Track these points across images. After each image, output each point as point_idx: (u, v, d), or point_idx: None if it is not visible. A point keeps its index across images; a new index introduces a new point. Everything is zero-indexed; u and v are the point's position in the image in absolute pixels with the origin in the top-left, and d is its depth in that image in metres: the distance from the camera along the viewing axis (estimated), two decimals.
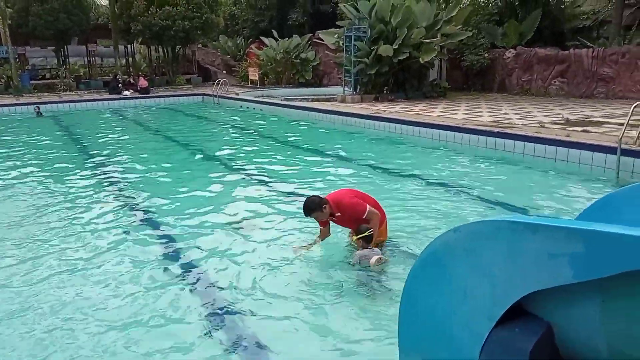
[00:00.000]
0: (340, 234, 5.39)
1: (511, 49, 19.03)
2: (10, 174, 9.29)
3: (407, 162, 9.61)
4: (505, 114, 13.05)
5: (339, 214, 4.73)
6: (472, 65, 19.37)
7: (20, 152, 11.54)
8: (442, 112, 13.90)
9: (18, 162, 10.35)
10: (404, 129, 12.21)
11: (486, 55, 19.19)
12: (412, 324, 2.34)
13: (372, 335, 3.69)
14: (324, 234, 5.07)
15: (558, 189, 7.55)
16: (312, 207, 4.66)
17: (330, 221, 4.95)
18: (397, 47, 16.28)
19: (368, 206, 4.74)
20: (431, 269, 2.20)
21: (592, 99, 16.02)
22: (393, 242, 5.24)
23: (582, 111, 13.08)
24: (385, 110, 14.50)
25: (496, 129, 10.30)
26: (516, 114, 12.97)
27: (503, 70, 19.35)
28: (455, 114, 13.33)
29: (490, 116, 12.59)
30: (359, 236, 4.61)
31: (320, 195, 4.88)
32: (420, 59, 16.30)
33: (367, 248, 4.61)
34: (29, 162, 10.34)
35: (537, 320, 1.88)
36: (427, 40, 16.41)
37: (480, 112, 13.59)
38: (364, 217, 4.70)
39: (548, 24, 19.45)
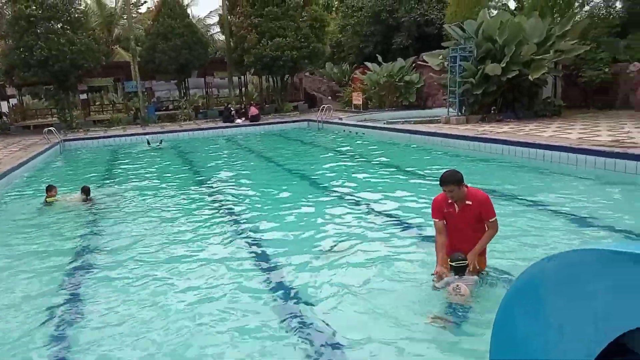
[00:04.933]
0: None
1: (636, 63, 17.49)
2: (133, 192, 10.30)
3: (513, 185, 9.11)
4: (628, 132, 11.95)
5: (470, 202, 4.50)
6: (591, 82, 18.06)
7: (143, 175, 12.68)
8: (555, 132, 13.06)
9: (141, 183, 11.38)
10: (511, 151, 11.64)
11: (607, 70, 17.80)
12: (504, 357, 2.21)
13: None
14: (444, 239, 4.61)
15: None
16: (451, 178, 4.41)
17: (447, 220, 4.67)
18: (504, 65, 15.68)
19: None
20: (525, 299, 2.08)
21: None
22: (493, 270, 4.98)
23: None
24: (491, 131, 13.94)
25: (615, 149, 9.47)
26: None
27: (626, 86, 17.81)
28: (570, 133, 12.46)
29: (610, 135, 11.60)
30: (450, 263, 4.47)
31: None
32: (530, 76, 15.53)
33: (456, 276, 4.44)
34: (150, 183, 11.34)
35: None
36: (538, 57, 15.62)
37: (598, 131, 12.57)
38: (491, 220, 4.49)
39: None
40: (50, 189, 9.62)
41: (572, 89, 19.32)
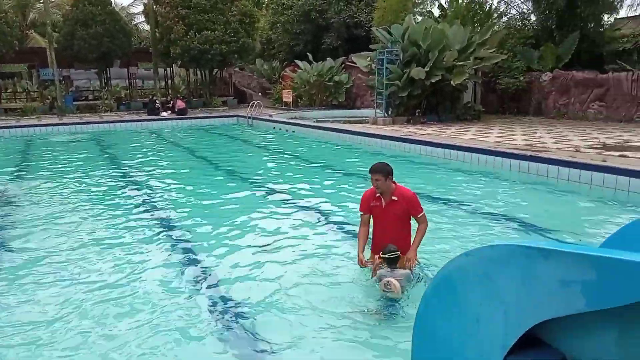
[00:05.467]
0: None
1: (547, 72, 18.72)
2: (46, 186, 9.65)
3: (437, 184, 9.49)
4: (540, 137, 12.79)
5: (396, 198, 4.67)
6: (507, 89, 19.14)
7: (60, 169, 11.94)
8: (474, 135, 13.73)
9: (57, 179, 10.69)
10: (435, 152, 12.10)
11: (522, 78, 18.94)
12: (425, 350, 2.28)
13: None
14: (366, 230, 4.82)
15: (592, 215, 7.31)
16: (381, 168, 4.60)
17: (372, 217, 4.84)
18: (428, 69, 16.25)
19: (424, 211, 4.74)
20: (444, 294, 2.15)
21: (632, 123, 15.55)
22: (421, 266, 5.14)
23: (620, 135, 12.70)
24: (416, 133, 14.42)
25: (529, 153, 10.10)
26: (551, 137, 12.70)
27: (539, 94, 19.03)
28: (488, 137, 13.15)
29: (524, 139, 12.36)
30: (382, 255, 4.53)
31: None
32: (452, 82, 16.21)
33: (389, 269, 4.51)
34: (67, 179, 10.67)
35: (551, 350, 1.81)
36: (459, 63, 16.32)
37: (514, 135, 13.36)
38: (419, 216, 4.71)
39: (586, 47, 19.07)
40: None
41: (490, 95, 20.38)
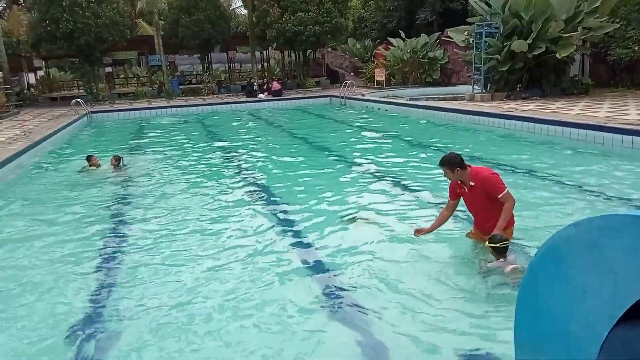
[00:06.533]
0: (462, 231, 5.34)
1: None
2: (162, 163, 10.63)
3: (540, 162, 9.10)
4: None
5: (472, 183, 4.65)
6: (620, 60, 17.64)
7: (171, 147, 12.93)
8: (582, 110, 12.89)
9: (166, 156, 11.63)
10: (537, 128, 11.55)
11: (637, 48, 17.35)
12: (529, 321, 2.31)
13: (486, 335, 3.65)
14: (446, 214, 5.00)
15: None
16: (444, 161, 4.67)
17: (461, 198, 4.91)
18: (531, 41, 15.39)
19: (507, 188, 4.60)
20: (550, 265, 2.17)
21: None
22: (522, 245, 5.05)
23: None
24: (517, 109, 13.81)
25: None
26: None
27: None
28: (597, 112, 12.29)
29: (639, 114, 11.42)
30: (491, 245, 4.34)
31: (461, 157, 4.72)
32: (558, 54, 15.24)
33: (499, 260, 4.34)
34: (175, 156, 11.58)
35: None
36: (565, 34, 15.29)
37: (627, 110, 12.38)
38: (499, 196, 4.52)
39: None
40: (90, 158, 10.03)
41: (599, 67, 18.92)
